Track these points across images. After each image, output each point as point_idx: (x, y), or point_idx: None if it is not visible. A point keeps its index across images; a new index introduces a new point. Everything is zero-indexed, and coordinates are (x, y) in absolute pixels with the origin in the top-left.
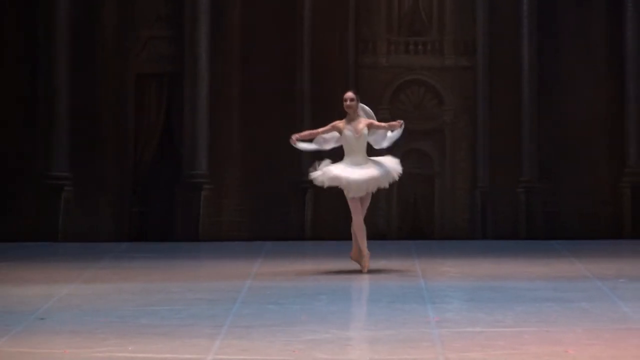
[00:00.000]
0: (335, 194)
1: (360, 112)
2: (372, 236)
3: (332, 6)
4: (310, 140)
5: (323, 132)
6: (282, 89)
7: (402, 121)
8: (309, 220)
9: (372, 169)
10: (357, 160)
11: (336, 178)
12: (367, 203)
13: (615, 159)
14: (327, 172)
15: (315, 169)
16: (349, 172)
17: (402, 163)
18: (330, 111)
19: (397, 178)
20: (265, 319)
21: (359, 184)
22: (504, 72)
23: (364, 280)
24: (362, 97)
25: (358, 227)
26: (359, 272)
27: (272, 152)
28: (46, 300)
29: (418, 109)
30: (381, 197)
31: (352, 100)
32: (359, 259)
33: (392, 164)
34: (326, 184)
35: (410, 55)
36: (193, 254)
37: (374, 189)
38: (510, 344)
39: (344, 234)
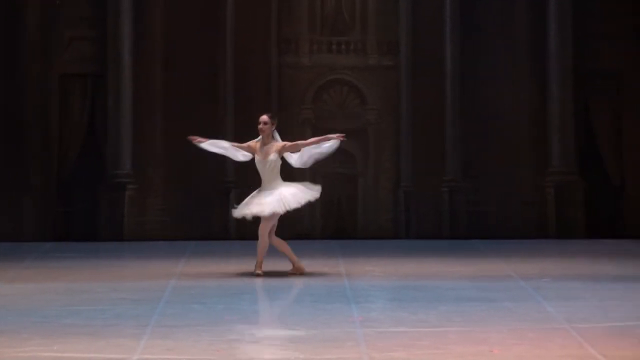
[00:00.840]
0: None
1: (276, 136)
2: (296, 236)
3: (254, 6)
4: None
5: (237, 147)
6: (205, 88)
7: (343, 135)
8: (232, 220)
9: (266, 198)
10: (265, 185)
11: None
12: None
13: (538, 158)
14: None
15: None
16: (251, 204)
17: (325, 163)
18: (252, 111)
19: (290, 207)
20: (190, 319)
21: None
22: (427, 72)
23: (288, 280)
24: (284, 97)
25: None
26: (284, 272)
27: (196, 152)
28: None
29: (341, 109)
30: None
31: (265, 123)
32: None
33: (294, 191)
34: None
35: (333, 54)
36: (117, 254)
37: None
38: (434, 344)
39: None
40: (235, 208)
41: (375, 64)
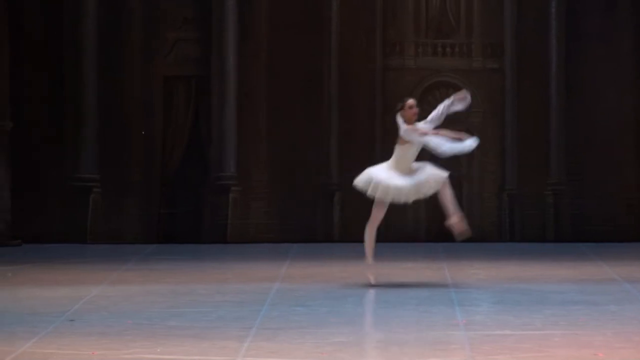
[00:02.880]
0: (363, 196)
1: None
2: (401, 239)
3: (359, 8)
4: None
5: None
6: (308, 91)
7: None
8: (336, 222)
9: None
10: (407, 169)
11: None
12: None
13: None
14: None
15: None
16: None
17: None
18: (356, 113)
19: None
20: (294, 322)
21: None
22: (532, 75)
23: (392, 283)
24: (389, 100)
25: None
26: (385, 274)
27: (300, 154)
28: (74, 302)
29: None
30: None
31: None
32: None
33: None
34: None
35: (437, 57)
36: (221, 256)
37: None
38: (538, 347)
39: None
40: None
41: (480, 66)
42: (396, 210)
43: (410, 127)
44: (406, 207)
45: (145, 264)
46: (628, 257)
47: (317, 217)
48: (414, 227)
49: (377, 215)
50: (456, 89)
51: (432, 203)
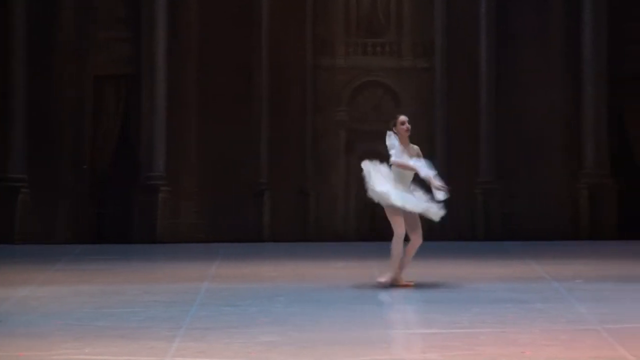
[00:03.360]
0: (292, 196)
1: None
2: (331, 238)
3: (289, 7)
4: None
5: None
6: (239, 90)
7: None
8: (266, 222)
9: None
10: (404, 187)
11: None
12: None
13: (572, 160)
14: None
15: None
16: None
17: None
18: (287, 113)
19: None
20: (223, 321)
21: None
22: (462, 74)
23: (321, 282)
24: (320, 99)
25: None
26: (316, 273)
27: (230, 154)
28: (2, 303)
29: (376, 110)
30: (339, 199)
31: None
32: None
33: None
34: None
35: (368, 56)
36: (150, 256)
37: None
38: (466, 345)
39: (300, 235)
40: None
41: (410, 65)
42: (326, 210)
43: (397, 161)
44: (336, 208)
45: (75, 264)
46: (557, 255)
47: (247, 216)
48: (344, 226)
49: (399, 230)
50: (386, 88)
51: (362, 202)
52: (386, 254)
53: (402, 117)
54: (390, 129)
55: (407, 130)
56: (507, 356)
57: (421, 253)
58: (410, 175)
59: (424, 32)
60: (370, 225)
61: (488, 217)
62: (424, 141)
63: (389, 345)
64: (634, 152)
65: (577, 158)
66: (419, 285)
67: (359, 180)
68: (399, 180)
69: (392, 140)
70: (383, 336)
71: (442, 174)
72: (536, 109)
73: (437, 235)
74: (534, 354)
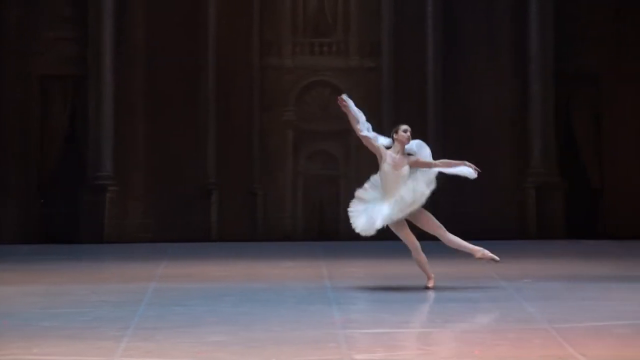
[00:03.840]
0: (240, 196)
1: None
2: (278, 238)
3: (236, 8)
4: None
5: (371, 146)
6: (187, 90)
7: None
8: (214, 222)
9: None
10: (389, 193)
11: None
12: (421, 221)
13: (519, 159)
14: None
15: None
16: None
17: (308, 165)
18: (234, 113)
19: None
20: (171, 321)
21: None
22: (409, 73)
23: (270, 282)
24: (267, 99)
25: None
26: (264, 273)
27: (178, 154)
28: None
29: (323, 110)
30: (287, 199)
31: (409, 131)
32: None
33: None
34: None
35: (315, 56)
36: (98, 256)
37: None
38: (416, 345)
39: (248, 235)
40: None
41: (357, 65)
42: (274, 210)
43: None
44: (284, 207)
45: (22, 265)
46: (505, 254)
47: (194, 216)
48: (292, 226)
49: (408, 239)
50: (333, 87)
51: (310, 202)
52: (335, 253)
53: (406, 126)
54: (391, 136)
55: (408, 139)
56: (456, 355)
57: (370, 253)
58: (396, 175)
59: (371, 32)
60: (318, 225)
61: (436, 217)
62: None
63: (338, 345)
64: (580, 150)
65: (525, 157)
66: (367, 285)
67: (307, 180)
68: (386, 184)
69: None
70: (332, 336)
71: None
72: (483, 108)
73: (385, 235)
74: (483, 353)
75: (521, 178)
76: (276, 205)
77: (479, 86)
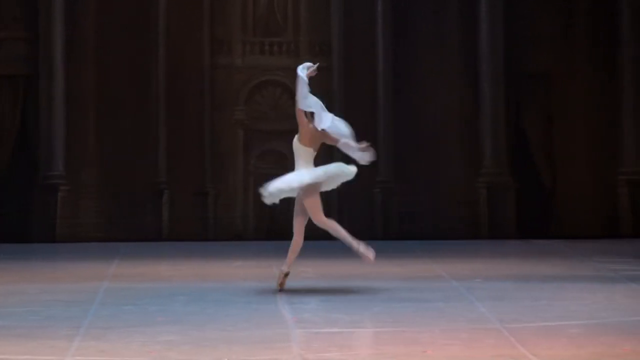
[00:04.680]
0: (191, 195)
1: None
2: (229, 237)
3: (187, 7)
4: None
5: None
6: (137, 89)
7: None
8: (165, 221)
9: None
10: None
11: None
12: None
13: (471, 158)
14: None
15: None
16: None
17: (259, 164)
18: (185, 112)
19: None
20: (123, 320)
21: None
22: (359, 73)
23: (221, 281)
24: (217, 98)
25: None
26: (216, 272)
27: (129, 153)
28: None
29: (274, 110)
30: (238, 198)
31: None
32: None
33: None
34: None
35: (265, 55)
36: (50, 256)
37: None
38: (367, 344)
39: (200, 235)
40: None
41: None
42: (225, 209)
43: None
44: (235, 207)
45: None
46: (456, 254)
47: (146, 216)
48: (243, 225)
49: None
50: (284, 87)
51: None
52: (285, 253)
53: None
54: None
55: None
56: (408, 355)
57: (320, 252)
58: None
59: (321, 32)
60: (268, 225)
61: (386, 217)
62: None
63: (289, 345)
64: (531, 150)
65: (476, 157)
66: (318, 285)
67: (258, 180)
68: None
69: (303, 85)
70: (284, 335)
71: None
72: (434, 108)
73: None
74: (435, 353)
75: (472, 178)
76: (227, 204)
77: (430, 86)
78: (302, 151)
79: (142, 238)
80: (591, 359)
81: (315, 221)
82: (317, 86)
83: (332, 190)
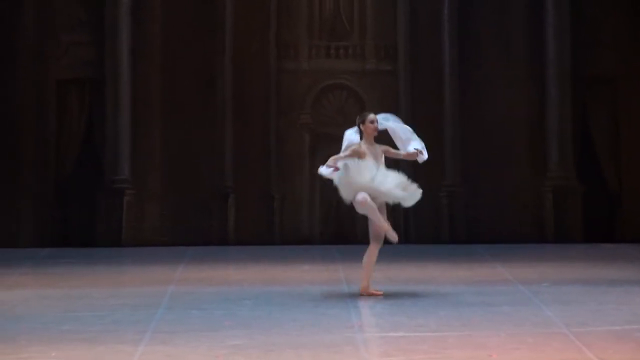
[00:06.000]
0: (257, 199)
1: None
2: (295, 241)
3: (253, 11)
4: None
5: (344, 158)
6: (203, 94)
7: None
8: (231, 225)
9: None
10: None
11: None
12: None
13: (537, 162)
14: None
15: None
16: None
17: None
18: (251, 116)
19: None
20: (189, 325)
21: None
22: (425, 77)
23: (288, 286)
24: (283, 102)
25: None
26: (282, 276)
27: (195, 157)
28: None
29: (340, 114)
30: (304, 202)
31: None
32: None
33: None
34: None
35: (331, 59)
36: (115, 260)
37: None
38: (433, 348)
39: (266, 239)
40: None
41: (374, 68)
42: (291, 213)
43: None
44: (301, 211)
45: (39, 268)
46: (522, 258)
47: (211, 220)
48: (309, 230)
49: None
50: (350, 91)
51: (327, 206)
52: (351, 256)
53: (372, 116)
54: (357, 126)
55: (375, 130)
56: (473, 359)
57: (386, 255)
58: (365, 165)
59: (387, 35)
60: (335, 229)
61: (453, 221)
62: (388, 144)
63: (355, 349)
64: (598, 154)
65: (542, 160)
66: (385, 289)
67: (324, 184)
68: (360, 175)
69: (352, 137)
70: (349, 339)
71: (407, 176)
72: (500, 111)
73: (401, 238)
74: (501, 357)
75: (539, 181)
76: (293, 208)
77: (496, 89)
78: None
79: (208, 242)
80: None
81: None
82: (383, 89)
83: None
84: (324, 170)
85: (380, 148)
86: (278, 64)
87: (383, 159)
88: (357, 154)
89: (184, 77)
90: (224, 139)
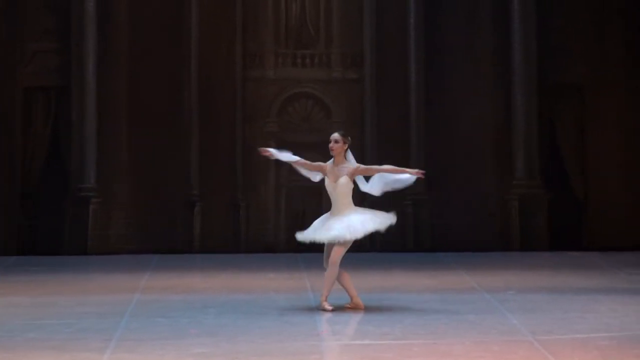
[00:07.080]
0: (223, 207)
1: (349, 156)
2: (261, 249)
3: (219, 19)
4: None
5: (307, 165)
6: (169, 101)
7: (422, 172)
8: (197, 233)
9: (335, 224)
10: (335, 210)
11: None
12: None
13: (503, 170)
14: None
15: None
16: (319, 229)
17: (291, 176)
18: (217, 124)
19: (358, 235)
20: (155, 333)
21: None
22: (391, 85)
23: (253, 294)
24: (249, 110)
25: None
26: (247, 284)
27: (161, 165)
28: None
29: (306, 122)
30: (270, 210)
31: (335, 142)
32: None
33: (363, 219)
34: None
35: (297, 68)
36: (82, 268)
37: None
38: (398, 357)
39: (231, 247)
40: (300, 232)
41: (340, 77)
42: (257, 221)
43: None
44: (267, 219)
45: (5, 276)
46: (488, 266)
47: (177, 228)
48: (275, 238)
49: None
50: (316, 99)
51: (292, 214)
52: (317, 265)
53: (333, 135)
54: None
55: (331, 149)
56: None
57: (351, 263)
58: (333, 187)
59: (353, 44)
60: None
61: (418, 229)
62: (355, 151)
63: (321, 357)
64: (564, 162)
65: (508, 168)
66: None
67: (289, 192)
68: (331, 198)
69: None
70: (315, 347)
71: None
72: (466, 119)
73: (366, 246)
74: None
75: (505, 189)
76: (259, 217)
77: (462, 97)
78: (348, 189)
79: (174, 250)
80: None
81: (331, 261)
82: (349, 97)
83: (363, 202)
84: (274, 151)
85: (350, 169)
86: (244, 72)
87: (346, 180)
88: (319, 169)
89: (150, 86)
90: (190, 147)
